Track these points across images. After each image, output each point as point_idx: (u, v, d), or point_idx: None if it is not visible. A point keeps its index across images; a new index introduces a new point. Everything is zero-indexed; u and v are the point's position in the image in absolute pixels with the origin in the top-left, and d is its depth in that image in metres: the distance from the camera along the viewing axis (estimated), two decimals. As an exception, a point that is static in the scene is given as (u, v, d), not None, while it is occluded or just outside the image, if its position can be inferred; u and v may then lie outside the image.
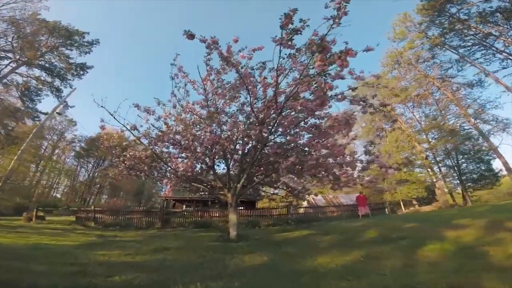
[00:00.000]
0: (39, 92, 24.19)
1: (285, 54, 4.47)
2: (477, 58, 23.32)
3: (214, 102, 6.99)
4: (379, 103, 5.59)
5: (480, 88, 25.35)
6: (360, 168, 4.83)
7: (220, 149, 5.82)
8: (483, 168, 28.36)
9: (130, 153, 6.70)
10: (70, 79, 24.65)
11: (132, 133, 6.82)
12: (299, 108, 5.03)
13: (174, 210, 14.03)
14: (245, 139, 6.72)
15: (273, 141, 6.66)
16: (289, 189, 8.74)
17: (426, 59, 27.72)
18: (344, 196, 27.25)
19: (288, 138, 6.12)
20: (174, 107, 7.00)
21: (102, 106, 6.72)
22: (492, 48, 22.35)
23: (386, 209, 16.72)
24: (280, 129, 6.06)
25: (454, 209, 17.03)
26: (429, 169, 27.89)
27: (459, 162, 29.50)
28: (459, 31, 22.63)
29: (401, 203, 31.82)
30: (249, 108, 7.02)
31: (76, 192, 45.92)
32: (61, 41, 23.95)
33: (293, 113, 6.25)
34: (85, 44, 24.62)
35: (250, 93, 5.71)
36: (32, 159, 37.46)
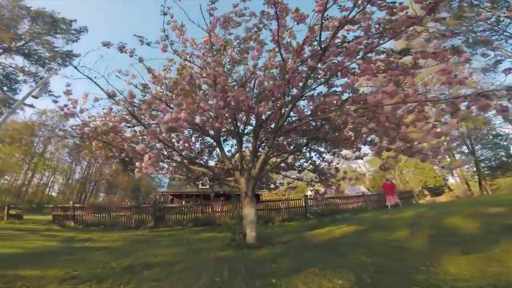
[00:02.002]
0: (18, 80, 22.46)
1: None
2: (489, 44, 21.76)
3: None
4: (480, 39, 3.63)
5: (494, 74, 23.47)
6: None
7: (235, 104, 3.68)
8: (502, 154, 26.54)
9: (97, 118, 4.55)
10: (55, 68, 22.85)
11: (114, 100, 4.67)
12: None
13: (169, 205, 11.93)
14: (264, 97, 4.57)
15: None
16: (317, 172, 6.66)
17: (438, 42, 25.83)
18: (349, 188, 25.38)
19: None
20: (164, 51, 4.82)
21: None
22: (504, 33, 20.60)
23: (413, 198, 14.72)
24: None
25: (489, 196, 15.04)
26: (446, 156, 26.01)
27: (474, 148, 27.62)
28: (470, 16, 20.83)
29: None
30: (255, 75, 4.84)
31: (72, 190, 43.90)
32: (45, 28, 22.05)
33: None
34: (72, 32, 22.72)
35: (278, 20, 3.59)
36: (25, 157, 35.36)
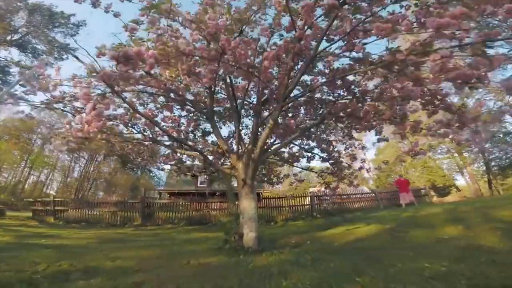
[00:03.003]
0: (10, 72, 21.81)
1: None
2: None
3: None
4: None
5: (503, 71, 22.29)
6: None
7: (230, 55, 2.66)
8: (515, 152, 25.40)
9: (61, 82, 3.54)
10: (52, 63, 22.17)
11: (77, 58, 3.65)
12: None
13: (159, 201, 10.92)
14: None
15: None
16: (331, 160, 5.62)
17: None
18: (352, 188, 24.20)
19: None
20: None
21: None
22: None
23: (426, 196, 13.55)
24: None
25: (502, 196, 13.82)
26: (456, 154, 24.76)
27: (484, 146, 26.39)
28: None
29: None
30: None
31: (70, 189, 43.03)
32: (43, 22, 21.41)
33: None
34: (71, 26, 21.99)
35: None
36: (22, 153, 34.54)
